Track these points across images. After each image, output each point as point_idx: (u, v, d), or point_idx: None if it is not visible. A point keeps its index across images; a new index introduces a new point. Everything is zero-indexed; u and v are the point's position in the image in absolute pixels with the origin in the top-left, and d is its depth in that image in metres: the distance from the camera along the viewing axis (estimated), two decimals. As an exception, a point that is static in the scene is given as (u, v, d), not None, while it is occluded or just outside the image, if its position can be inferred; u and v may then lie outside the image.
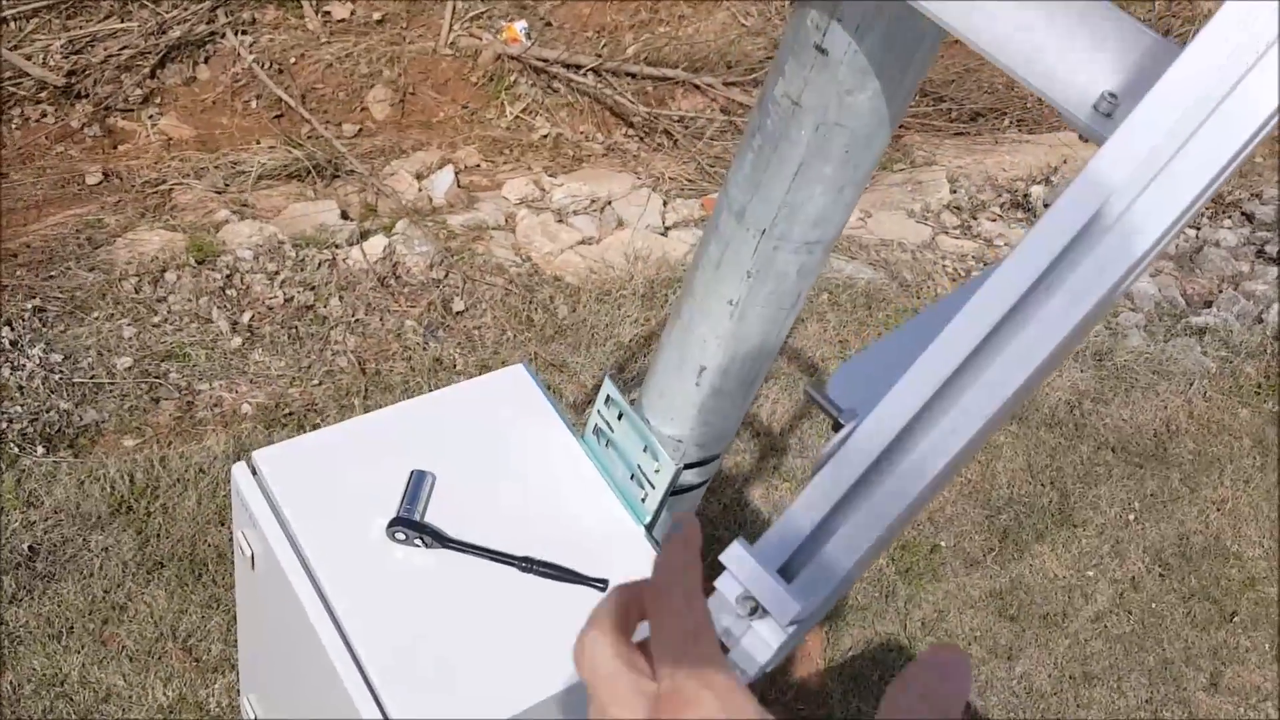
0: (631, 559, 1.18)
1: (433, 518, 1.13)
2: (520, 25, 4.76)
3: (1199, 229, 4.34)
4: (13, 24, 4.25)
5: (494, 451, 1.23)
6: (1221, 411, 3.72)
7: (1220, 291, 4.10)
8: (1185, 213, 0.54)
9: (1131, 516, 3.36)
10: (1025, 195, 4.47)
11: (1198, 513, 3.43)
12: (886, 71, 0.81)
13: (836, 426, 0.50)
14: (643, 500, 1.18)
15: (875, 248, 4.02)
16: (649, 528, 1.19)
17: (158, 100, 4.32)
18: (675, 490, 1.17)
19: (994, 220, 4.30)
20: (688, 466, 1.16)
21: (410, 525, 1.10)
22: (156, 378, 3.22)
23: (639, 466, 1.18)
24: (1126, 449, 3.50)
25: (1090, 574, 3.23)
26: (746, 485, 3.22)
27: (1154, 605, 3.20)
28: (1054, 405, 3.56)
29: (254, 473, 1.17)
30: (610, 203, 4.36)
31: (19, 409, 2.97)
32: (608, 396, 1.21)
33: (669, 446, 1.16)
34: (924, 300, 3.74)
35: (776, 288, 0.98)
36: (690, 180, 4.58)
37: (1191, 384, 3.73)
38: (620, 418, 1.20)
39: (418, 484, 1.14)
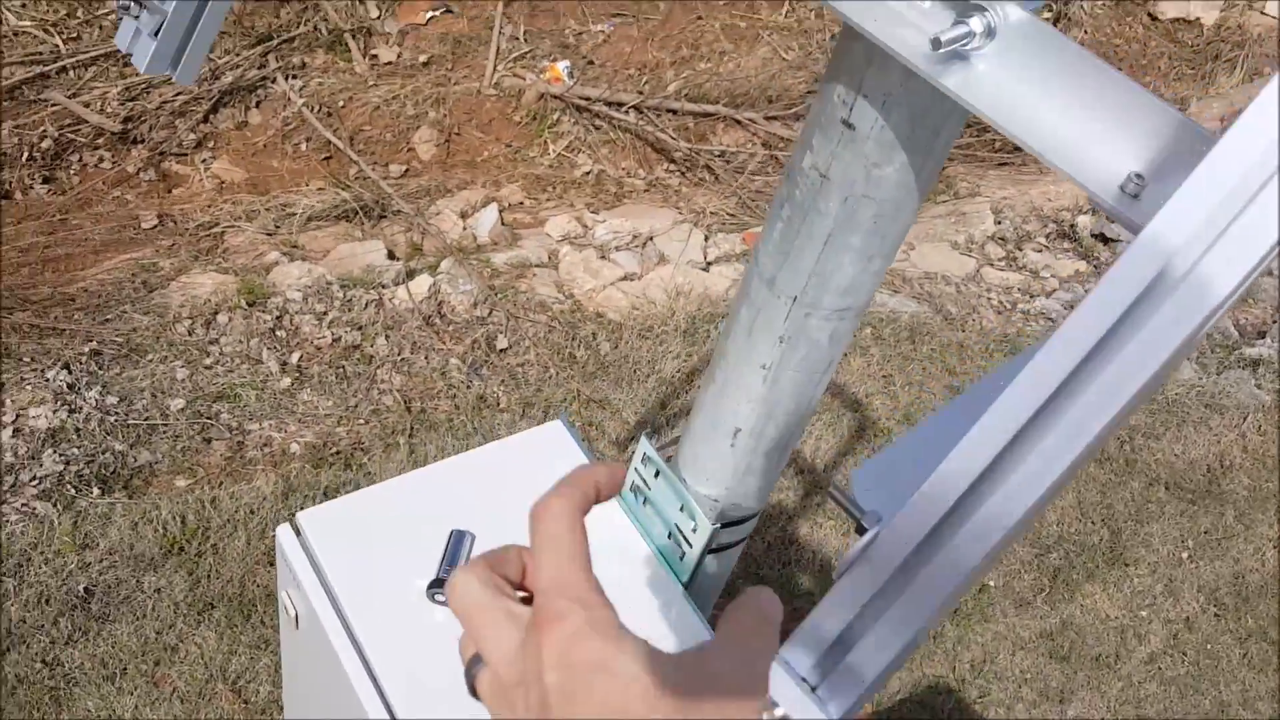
0: (670, 617, 1.18)
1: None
2: (563, 65, 4.82)
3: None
4: (71, 72, 4.40)
5: (533, 510, 1.24)
6: (1276, 446, 3.64)
7: (1274, 322, 4.02)
8: (1259, 265, 0.54)
9: (1185, 554, 3.29)
10: (1072, 225, 4.42)
11: (1253, 550, 3.34)
12: (914, 145, 0.81)
13: (860, 529, 0.51)
14: (681, 559, 1.19)
15: (919, 280, 3.99)
16: (687, 586, 1.19)
17: (211, 144, 4.44)
18: (713, 548, 1.17)
19: (1040, 251, 4.25)
20: (724, 525, 1.16)
21: (450, 585, 1.12)
22: (208, 418, 3.29)
23: (676, 525, 1.18)
24: (1179, 485, 3.43)
25: (1143, 614, 3.16)
26: (790, 523, 3.20)
27: (1209, 646, 3.12)
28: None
29: (298, 534, 1.19)
30: (652, 238, 4.38)
31: (76, 451, 3.04)
32: (644, 455, 1.21)
33: (705, 506, 1.16)
34: (969, 333, 3.71)
35: (809, 354, 0.99)
36: (731, 215, 4.60)
37: (1245, 418, 3.65)
38: (657, 475, 1.21)
39: (457, 544, 1.15)
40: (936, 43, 0.67)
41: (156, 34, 0.74)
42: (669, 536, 1.20)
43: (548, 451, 1.32)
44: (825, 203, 0.87)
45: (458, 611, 0.51)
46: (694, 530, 1.15)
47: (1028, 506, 0.51)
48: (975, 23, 0.68)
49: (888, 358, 3.66)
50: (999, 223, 4.38)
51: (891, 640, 0.51)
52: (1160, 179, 0.64)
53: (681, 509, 1.16)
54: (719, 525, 1.14)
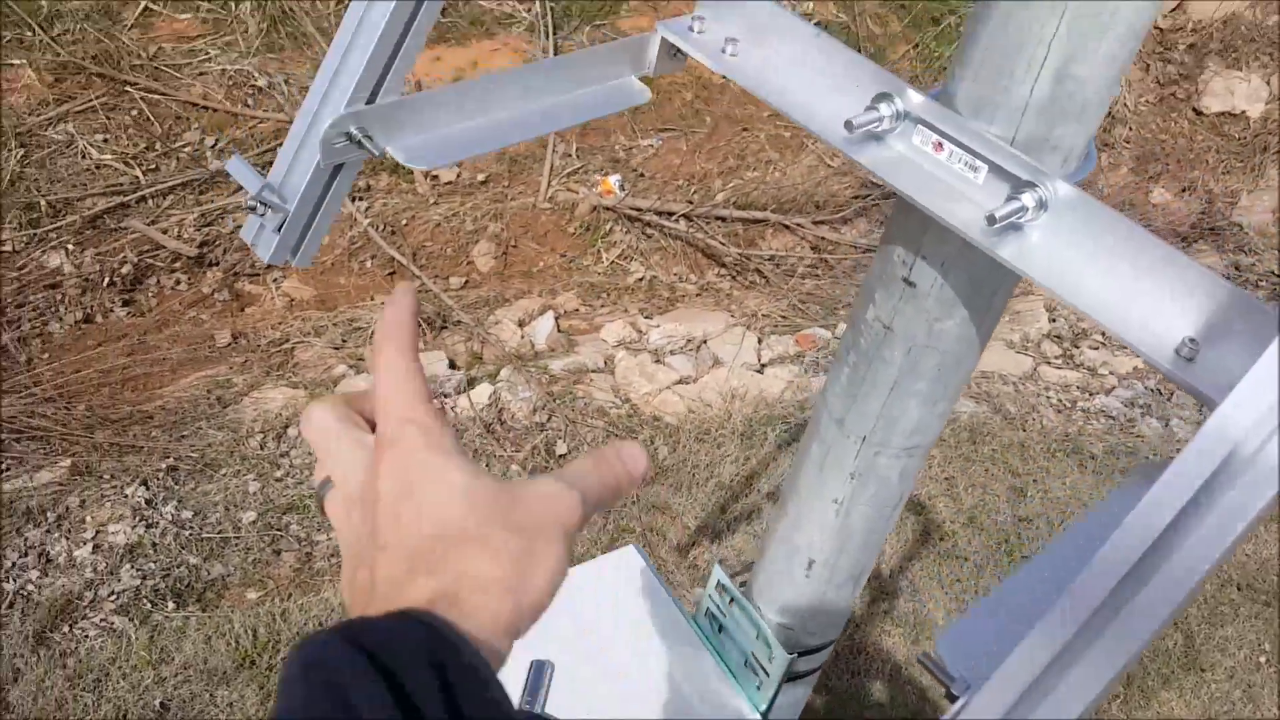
0: (746, 744, 1.20)
1: (554, 708, 1.18)
2: (614, 178, 4.98)
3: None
4: (150, 201, 4.64)
5: (611, 638, 1.28)
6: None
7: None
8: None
9: (1263, 659, 3.19)
10: (1127, 320, 4.40)
11: (1337, 653, 3.24)
12: (973, 302, 0.86)
13: (950, 696, 0.54)
14: (758, 688, 1.21)
15: (976, 380, 4.00)
16: (764, 715, 1.22)
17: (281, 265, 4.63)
18: (789, 677, 1.20)
19: (1096, 349, 4.24)
20: (800, 654, 1.18)
21: (532, 719, 1.15)
22: (278, 530, 3.37)
23: (752, 654, 1.21)
24: (1252, 586, 3.34)
25: (1225, 721, 3.06)
26: (859, 631, 3.17)
27: (1298, 755, 3.01)
28: (1173, 540, 3.44)
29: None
30: (706, 341, 4.45)
31: (152, 565, 3.13)
32: (719, 583, 1.25)
33: (781, 634, 1.19)
34: (1029, 433, 3.69)
35: (879, 490, 1.03)
36: (784, 317, 4.66)
37: (1320, 513, 3.57)
38: (732, 603, 1.24)
39: (538, 675, 1.19)
40: (992, 219, 0.73)
41: (279, 229, 0.83)
42: (745, 664, 1.23)
43: (623, 578, 1.36)
44: (890, 352, 0.92)
45: (311, 439, 0.55)
46: (771, 659, 1.18)
47: (1086, 703, 0.54)
48: (1027, 198, 0.74)
49: (949, 459, 3.65)
50: (1053, 320, 4.39)
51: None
52: (1212, 343, 0.68)
53: (757, 637, 1.19)
54: (796, 654, 1.17)
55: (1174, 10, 6.87)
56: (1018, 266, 0.74)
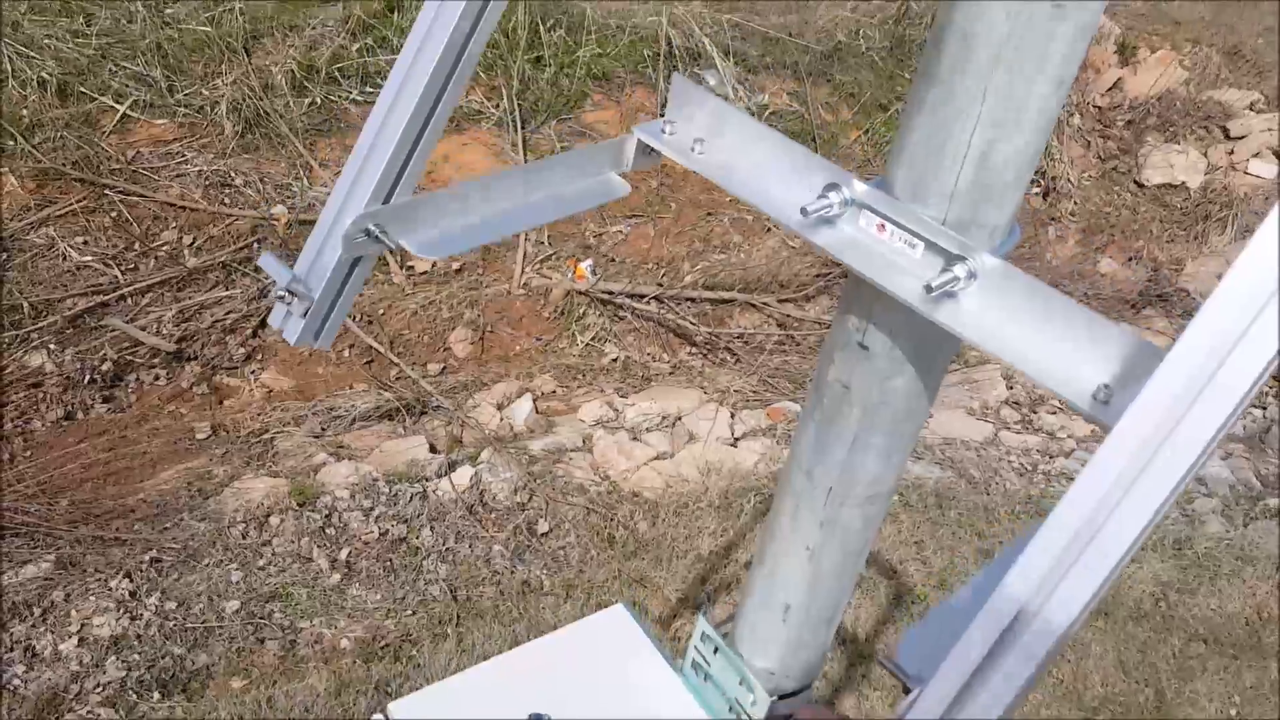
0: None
1: (553, 759, 1.25)
2: (586, 264, 5.14)
3: (1265, 408, 4.38)
4: (129, 299, 4.72)
5: (605, 692, 1.36)
6: (1314, 593, 3.66)
7: (1294, 469, 4.10)
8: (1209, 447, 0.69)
9: (1233, 711, 3.27)
10: (1084, 384, 4.56)
11: (1305, 701, 3.33)
12: (920, 362, 0.98)
13: (906, 690, 0.64)
14: (742, 732, 1.29)
15: (940, 446, 4.12)
16: (749, 758, 1.29)
17: (259, 356, 4.71)
18: (771, 720, 1.28)
19: (1054, 413, 4.40)
20: (781, 697, 1.27)
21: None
22: (262, 618, 3.39)
23: (736, 699, 1.29)
24: (1219, 640, 3.44)
25: (1201, 773, 3.13)
26: (837, 696, 3.22)
27: (1274, 804, 3.08)
28: (1138, 598, 3.54)
29: (391, 724, 1.30)
30: (680, 418, 4.56)
31: (137, 657, 3.14)
32: (703, 633, 1.34)
33: (763, 678, 1.27)
34: (994, 496, 3.80)
35: (845, 537, 1.13)
36: (754, 392, 4.79)
37: (1278, 568, 3.69)
38: (716, 652, 1.33)
39: (537, 726, 1.27)
40: (929, 288, 0.85)
41: (304, 315, 0.93)
42: (729, 710, 1.31)
43: (614, 635, 1.44)
44: (849, 408, 1.03)
45: None
46: (753, 703, 1.26)
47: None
48: (959, 269, 0.86)
49: (917, 524, 3.75)
50: (1010, 387, 4.55)
51: None
52: (1124, 387, 0.80)
53: (741, 683, 1.28)
54: (776, 697, 1.25)
55: (1111, 89, 7.24)
56: (954, 328, 0.86)
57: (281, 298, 0.92)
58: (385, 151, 0.89)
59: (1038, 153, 0.90)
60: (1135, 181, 6.56)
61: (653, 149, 1.07)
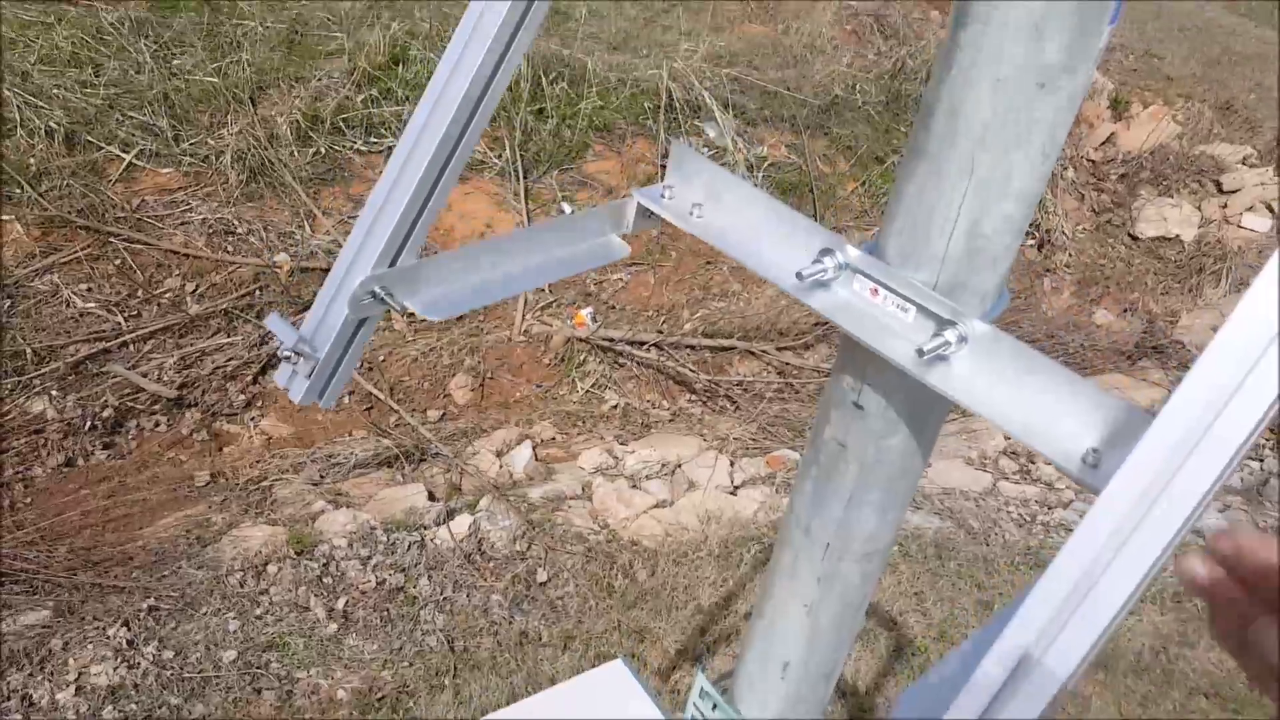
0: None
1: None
2: (586, 311, 5.18)
3: (1262, 460, 4.39)
4: (131, 346, 4.75)
5: (602, 746, 1.36)
6: (1316, 644, 3.63)
7: (1292, 518, 4.10)
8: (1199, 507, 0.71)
9: (1237, 766, 3.25)
10: (1082, 434, 4.58)
11: (1310, 755, 3.29)
12: (913, 421, 1.00)
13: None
14: (740, 788, 1.29)
15: (938, 496, 4.12)
16: (748, 815, 1.29)
17: (259, 404, 4.73)
18: (769, 776, 1.28)
19: (1051, 464, 4.39)
20: (779, 753, 1.27)
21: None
22: (259, 668, 3.37)
23: (734, 755, 1.29)
24: (1220, 694, 3.42)
25: (1205, 829, 3.09)
26: (836, 749, 3.20)
27: None
28: (1138, 651, 3.52)
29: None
30: (680, 466, 4.56)
31: (134, 707, 3.12)
32: (701, 689, 1.34)
33: (761, 735, 1.28)
34: (993, 547, 3.80)
35: (844, 592, 1.14)
36: (754, 439, 4.80)
37: (1279, 617, 3.67)
38: (714, 709, 1.33)
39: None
40: (920, 352, 0.87)
41: (310, 375, 0.95)
42: (728, 766, 1.31)
43: (614, 691, 1.44)
44: (845, 466, 1.05)
45: None
46: (752, 759, 1.26)
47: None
48: (950, 334, 0.88)
49: (917, 575, 3.74)
50: (1008, 438, 4.55)
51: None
52: (1113, 449, 0.82)
53: (739, 739, 1.28)
54: (774, 753, 1.25)
55: (1104, 143, 7.33)
56: (945, 391, 0.88)
57: (287, 357, 0.94)
58: (394, 214, 0.92)
59: (1027, 219, 0.93)
60: (1129, 234, 6.62)
61: (652, 212, 1.10)
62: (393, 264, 0.94)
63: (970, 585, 3.71)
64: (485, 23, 0.93)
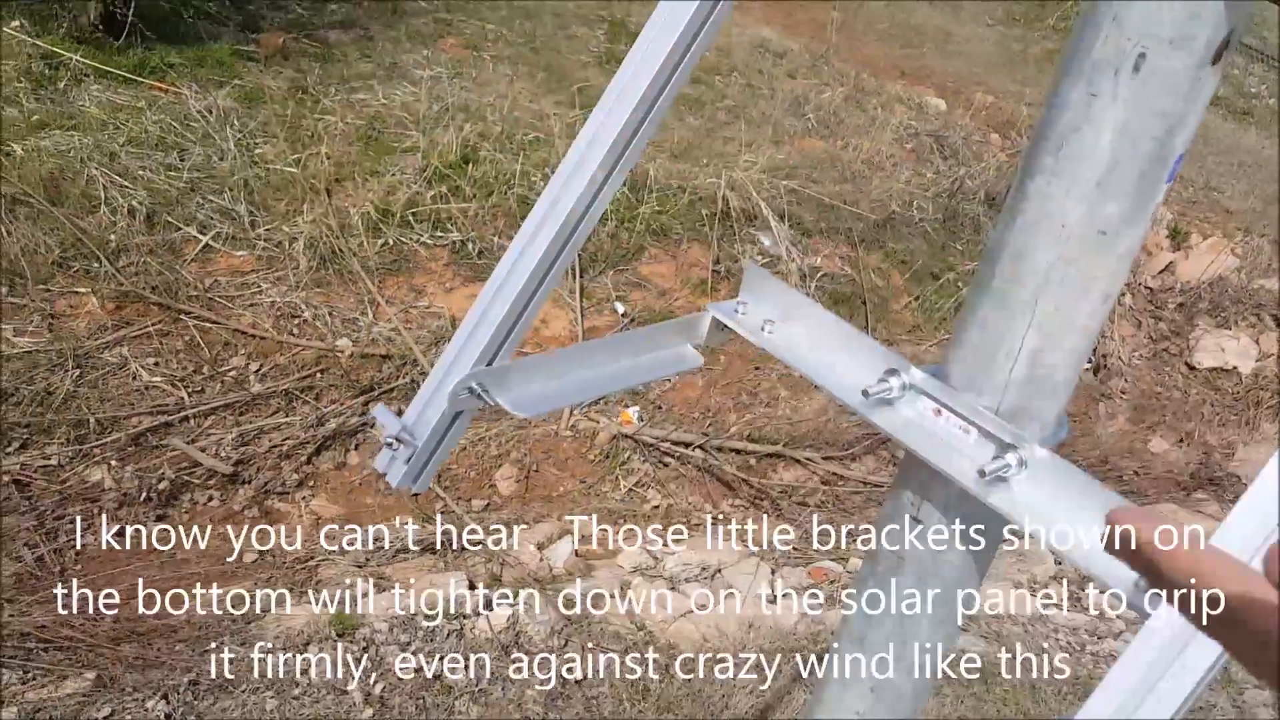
0: None
1: None
2: (633, 410, 5.24)
3: None
4: (193, 420, 4.88)
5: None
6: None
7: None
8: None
9: None
10: (1132, 563, 4.51)
11: None
12: (971, 537, 1.04)
13: None
14: None
15: (986, 620, 4.06)
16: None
17: (311, 483, 4.82)
18: None
19: (1104, 592, 4.32)
20: None
21: None
22: (292, 750, 3.38)
23: None
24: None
25: None
26: None
27: None
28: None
29: None
30: (720, 570, 4.55)
31: (167, 783, 3.13)
32: None
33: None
34: (1040, 675, 3.72)
35: (895, 703, 1.16)
36: (796, 549, 4.78)
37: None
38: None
39: None
40: (982, 473, 0.92)
41: (407, 461, 1.02)
42: None
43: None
44: (902, 578, 1.09)
45: None
46: None
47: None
48: (1010, 458, 0.93)
49: (960, 698, 3.67)
50: (1059, 563, 4.50)
51: None
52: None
53: None
54: None
55: (1163, 271, 7.36)
56: (1004, 511, 0.93)
57: (389, 444, 1.01)
58: (495, 319, 0.99)
59: (1088, 352, 0.98)
60: (1186, 363, 6.59)
61: (726, 326, 1.17)
62: (490, 363, 1.02)
63: (1015, 712, 3.63)
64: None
